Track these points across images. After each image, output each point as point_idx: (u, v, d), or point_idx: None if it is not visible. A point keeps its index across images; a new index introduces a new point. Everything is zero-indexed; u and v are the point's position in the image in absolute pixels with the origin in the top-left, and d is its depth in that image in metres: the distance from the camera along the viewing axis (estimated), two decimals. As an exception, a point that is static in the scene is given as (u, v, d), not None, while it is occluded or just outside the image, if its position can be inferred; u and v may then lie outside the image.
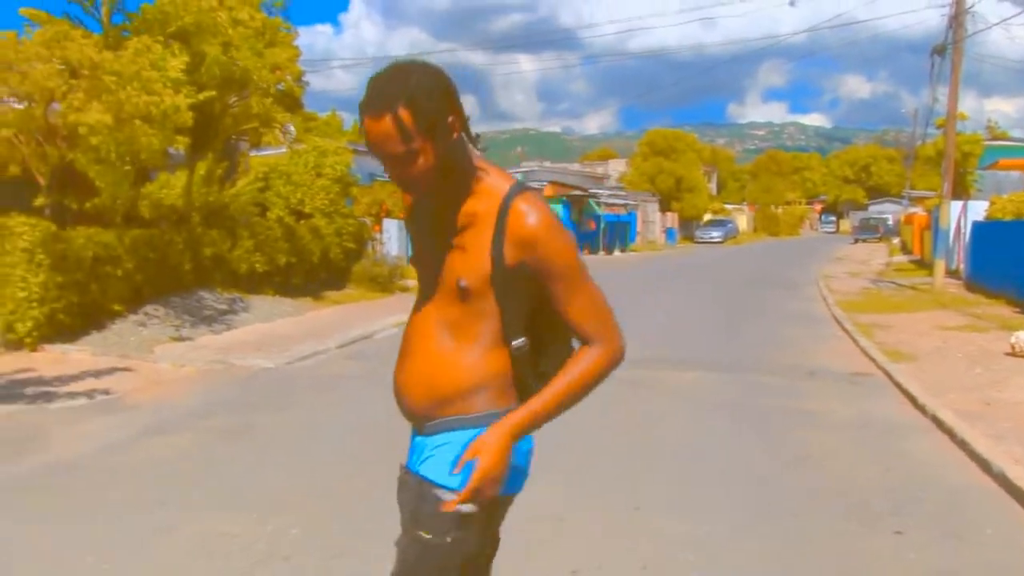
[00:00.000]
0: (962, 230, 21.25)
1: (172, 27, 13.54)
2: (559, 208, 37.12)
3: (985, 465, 6.04)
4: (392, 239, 21.48)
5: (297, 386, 9.21)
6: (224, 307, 13.76)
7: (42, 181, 11.76)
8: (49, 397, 8.35)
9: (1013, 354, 10.29)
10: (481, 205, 2.01)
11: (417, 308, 2.15)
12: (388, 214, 21.92)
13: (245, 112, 14.69)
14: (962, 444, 6.61)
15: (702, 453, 6.44)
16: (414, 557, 2.06)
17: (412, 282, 19.89)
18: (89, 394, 8.52)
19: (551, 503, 5.04)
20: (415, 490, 2.09)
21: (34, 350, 10.64)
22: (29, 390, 8.62)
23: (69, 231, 11.29)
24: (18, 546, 4.61)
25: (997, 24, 21.98)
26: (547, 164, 65.02)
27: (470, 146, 2.05)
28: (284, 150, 19.43)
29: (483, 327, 2.05)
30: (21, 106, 11.26)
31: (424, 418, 2.11)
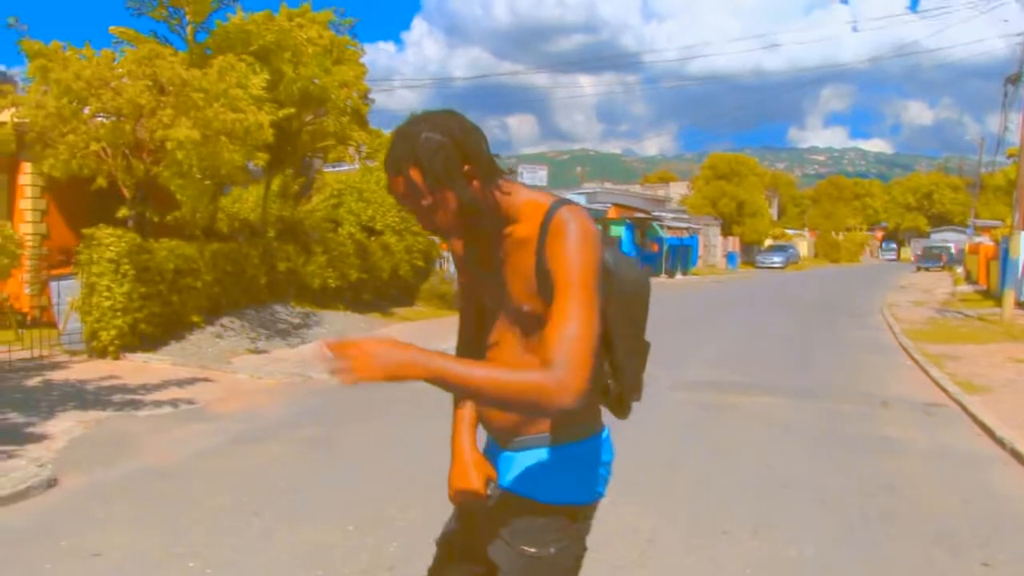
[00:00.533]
0: (1032, 261, 20.86)
1: (254, 45, 13.96)
2: (622, 230, 37.08)
3: (1071, 499, 6.01)
4: (457, 257, 21.73)
5: (377, 400, 9.39)
6: (297, 321, 14.08)
7: (127, 193, 12.18)
8: (136, 405, 8.66)
9: (1091, 388, 10.13)
10: (525, 228, 2.00)
11: (488, 329, 2.20)
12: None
13: (322, 129, 15.07)
14: (1045, 477, 6.58)
15: (784, 478, 6.48)
16: (521, 571, 2.10)
17: (476, 300, 20.15)
18: (173, 403, 8.82)
19: (638, 523, 5.14)
20: (508, 504, 2.12)
21: (117, 358, 11.03)
22: (116, 397, 8.94)
23: (152, 243, 11.68)
24: (124, 551, 4.84)
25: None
26: (608, 185, 65.04)
27: (506, 177, 2.05)
28: (355, 167, 19.83)
29: (531, 336, 2.05)
30: (109, 121, 11.70)
31: (511, 433, 2.13)
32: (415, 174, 1.90)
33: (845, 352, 14.14)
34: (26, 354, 10.84)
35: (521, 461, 2.12)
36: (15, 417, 7.86)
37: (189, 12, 13.67)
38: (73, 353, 11.26)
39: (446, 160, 1.90)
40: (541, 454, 2.10)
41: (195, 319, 12.29)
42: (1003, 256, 23.68)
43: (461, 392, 1.89)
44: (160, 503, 5.66)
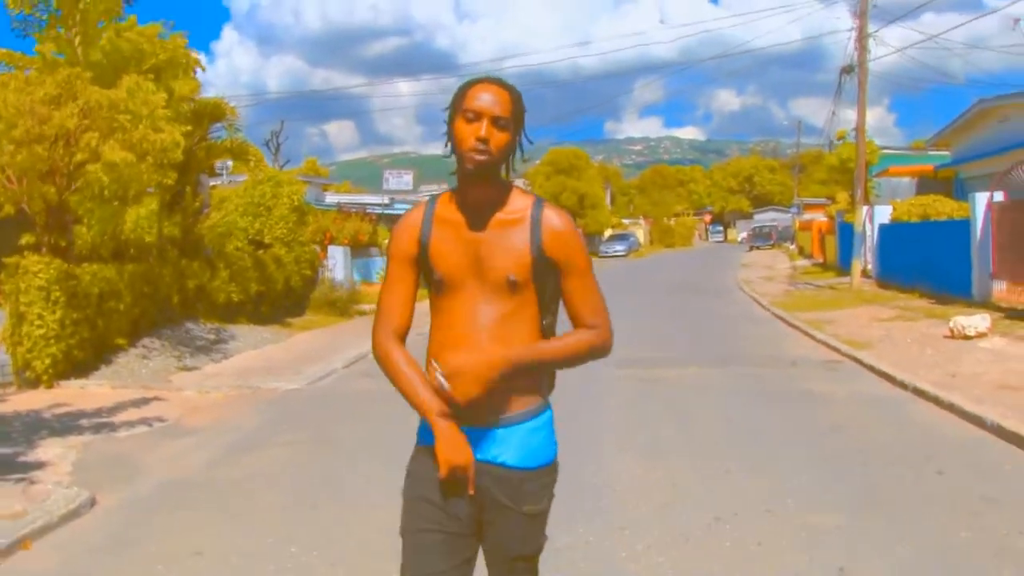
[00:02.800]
0: (868, 233, 23.10)
1: (147, 64, 13.95)
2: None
3: (979, 421, 7.31)
4: (338, 265, 22.00)
5: (335, 403, 9.89)
6: (212, 337, 14.20)
7: (38, 220, 12.02)
8: (109, 427, 8.77)
9: (952, 337, 11.75)
10: (516, 212, 2.40)
11: (464, 312, 2.42)
12: (332, 241, 22.46)
13: (217, 146, 15.17)
14: (951, 407, 7.90)
15: (748, 428, 7.51)
16: (534, 529, 2.48)
17: (368, 306, 20.53)
18: (145, 422, 8.99)
19: (646, 475, 5.99)
20: (507, 477, 2.41)
21: (50, 387, 10.92)
22: (83, 422, 9.00)
23: (77, 268, 11.63)
24: (218, 548, 5.28)
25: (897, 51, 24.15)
26: (446, 188, 65.44)
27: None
28: (228, 181, 19.85)
29: (528, 315, 2.42)
30: (19, 148, 11.52)
31: (495, 412, 2.39)
32: (516, 99, 2.38)
33: (731, 325, 15.53)
34: None
35: (512, 434, 2.41)
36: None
37: (77, 32, 13.54)
38: (1, 385, 11.08)
39: (523, 113, 2.44)
40: (531, 424, 2.42)
41: (120, 341, 12.29)
42: (841, 230, 25.99)
43: (537, 367, 2.40)
44: (211, 509, 6.04)
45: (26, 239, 12.16)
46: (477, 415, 2.38)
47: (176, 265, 14.33)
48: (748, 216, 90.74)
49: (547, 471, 2.47)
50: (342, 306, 19.48)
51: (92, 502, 6.19)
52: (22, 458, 7.54)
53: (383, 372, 2.47)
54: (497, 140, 2.33)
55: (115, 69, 13.35)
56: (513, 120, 2.37)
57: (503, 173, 2.45)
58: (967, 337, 11.47)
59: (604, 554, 4.67)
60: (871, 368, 10.18)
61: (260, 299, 16.90)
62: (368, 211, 26.87)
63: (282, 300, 18.06)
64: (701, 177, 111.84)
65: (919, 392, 8.65)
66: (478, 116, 2.31)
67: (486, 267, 2.39)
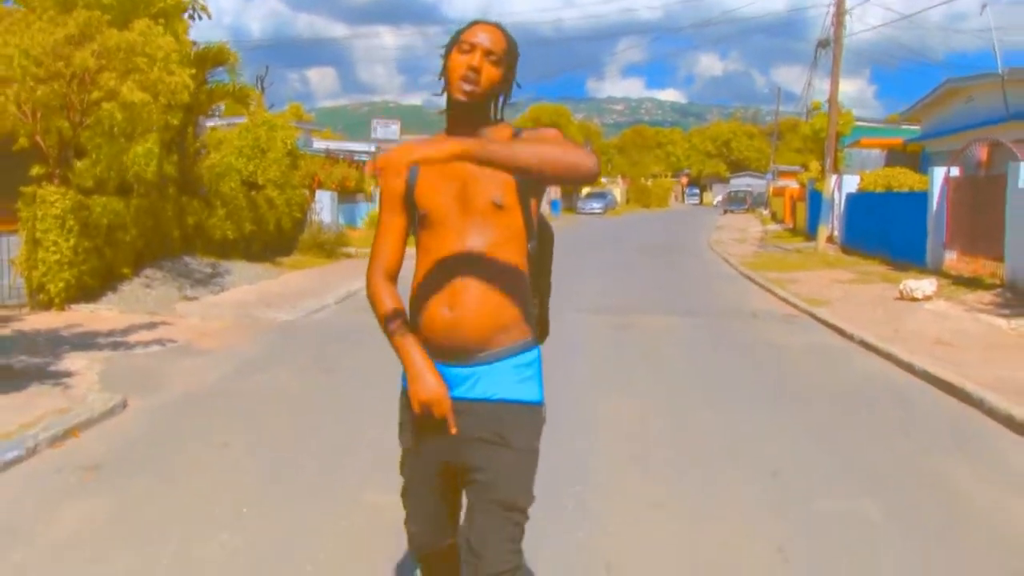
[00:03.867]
0: (836, 201, 24.06)
1: (155, 7, 14.47)
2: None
3: (910, 368, 8.27)
4: (325, 209, 22.67)
5: (331, 333, 10.69)
6: (209, 271, 14.92)
7: (50, 153, 12.64)
8: (124, 346, 9.54)
9: (901, 298, 12.73)
10: (499, 137, 2.40)
11: (451, 245, 2.40)
12: (320, 186, 23.09)
13: (219, 89, 15.75)
14: (889, 356, 8.85)
15: (711, 370, 8.44)
16: (524, 473, 2.43)
17: (353, 249, 21.30)
18: (158, 342, 9.77)
19: (621, 406, 6.88)
20: (496, 411, 2.39)
21: (62, 309, 11.67)
22: (100, 340, 9.78)
23: (88, 200, 12.29)
24: (243, 442, 6.14)
25: (875, 27, 24.90)
26: (424, 137, 65.57)
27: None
28: (227, 124, 20.40)
29: (516, 241, 2.42)
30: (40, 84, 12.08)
31: (482, 348, 2.38)
32: (509, 40, 2.45)
33: (700, 281, 16.47)
34: None
35: (496, 370, 2.39)
36: (28, 359, 8.64)
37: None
38: (11, 307, 11.77)
39: (517, 54, 2.50)
40: (518, 360, 2.42)
41: (125, 271, 13.01)
42: (811, 198, 26.92)
43: (528, 166, 2.16)
44: (230, 414, 6.87)
45: (36, 170, 12.81)
46: (461, 349, 2.38)
47: (177, 201, 15.00)
48: (725, 180, 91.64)
49: (533, 409, 2.44)
50: (329, 248, 20.22)
51: (124, 404, 6.99)
52: (52, 367, 8.30)
53: (371, 309, 2.52)
54: (488, 73, 2.37)
55: (124, 11, 13.89)
56: (506, 58, 2.42)
57: (491, 114, 2.49)
58: (915, 299, 12.46)
59: (578, 470, 5.55)
60: (825, 322, 11.13)
61: (253, 238, 17.61)
62: (355, 158, 27.45)
63: (273, 240, 18.77)
64: (680, 140, 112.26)
65: (864, 344, 9.60)
66: (472, 48, 2.37)
67: (471, 195, 2.39)
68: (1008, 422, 6.34)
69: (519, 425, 2.41)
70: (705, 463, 5.52)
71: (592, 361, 8.71)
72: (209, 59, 15.57)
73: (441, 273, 2.38)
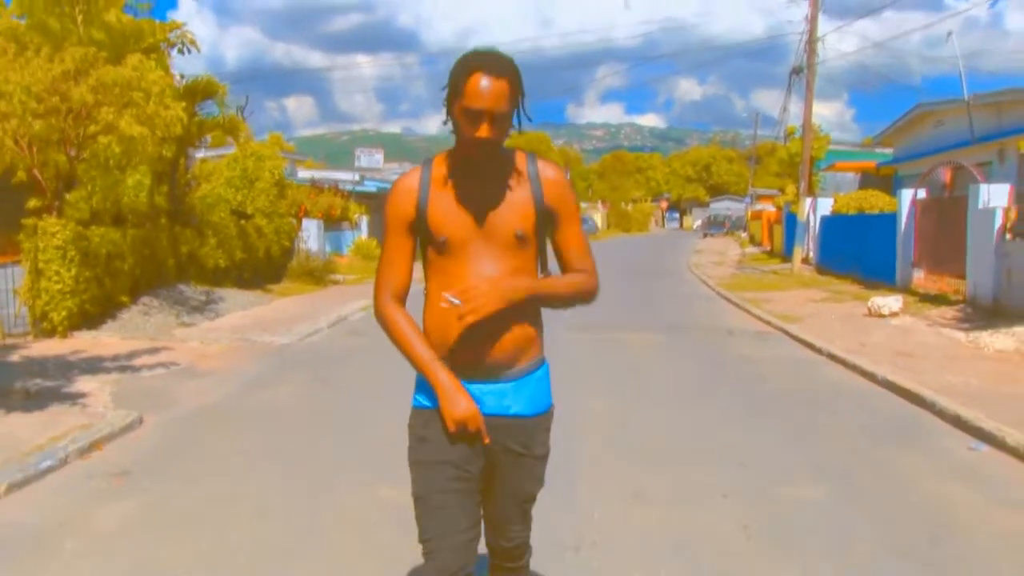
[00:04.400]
0: (811, 224, 24.79)
1: (145, 43, 15.03)
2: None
3: (872, 376, 8.88)
4: (312, 237, 23.14)
5: (327, 355, 11.20)
6: (203, 298, 15.39)
7: (47, 185, 13.11)
8: (131, 369, 9.99)
9: (870, 315, 13.37)
10: (514, 169, 2.49)
11: (470, 270, 2.48)
12: (307, 214, 23.59)
13: (209, 121, 16.30)
14: (854, 367, 9.45)
15: (691, 378, 9.02)
16: (542, 469, 2.73)
17: (341, 276, 21.80)
18: (162, 365, 10.23)
19: (611, 409, 7.45)
20: (521, 426, 2.60)
21: (65, 336, 12.10)
22: (107, 364, 10.23)
23: (87, 230, 12.77)
24: (261, 448, 6.64)
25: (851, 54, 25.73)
26: (407, 165, 66.11)
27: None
28: (215, 155, 20.92)
29: (530, 269, 2.53)
30: (37, 119, 12.55)
31: (504, 367, 2.53)
32: (515, 84, 2.37)
33: (680, 301, 17.09)
34: None
35: (522, 386, 2.57)
36: (43, 383, 9.09)
37: (80, 9, 14.52)
38: (16, 336, 12.20)
39: (521, 84, 2.42)
40: (536, 375, 2.61)
41: (123, 299, 13.47)
42: (788, 220, 27.65)
43: (548, 300, 2.54)
44: (241, 426, 7.38)
45: (34, 203, 13.29)
46: (488, 369, 2.51)
47: (171, 231, 15.50)
48: (704, 204, 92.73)
49: (549, 415, 2.70)
50: (318, 275, 20.71)
51: (141, 420, 7.46)
52: (66, 389, 8.76)
53: (385, 332, 2.57)
54: (498, 132, 2.37)
55: (116, 47, 14.43)
56: (511, 106, 2.39)
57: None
58: (882, 315, 13.09)
59: (566, 463, 6.10)
60: (796, 337, 11.74)
61: (243, 266, 18.08)
62: (340, 187, 27.99)
63: (263, 268, 19.25)
64: (660, 164, 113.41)
65: (832, 356, 10.21)
66: (478, 117, 2.33)
67: (493, 224, 2.45)
68: (955, 421, 6.94)
69: (540, 434, 2.67)
70: (678, 456, 6.09)
71: (579, 371, 9.24)
72: (199, 92, 16.13)
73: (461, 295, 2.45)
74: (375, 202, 29.92)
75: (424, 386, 2.56)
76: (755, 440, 6.56)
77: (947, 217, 15.01)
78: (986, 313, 12.41)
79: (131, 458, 6.37)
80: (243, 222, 19.05)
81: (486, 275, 2.44)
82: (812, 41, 22.18)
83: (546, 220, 2.53)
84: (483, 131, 2.33)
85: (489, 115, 2.32)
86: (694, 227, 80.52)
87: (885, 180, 26.80)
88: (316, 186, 26.38)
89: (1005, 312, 11.95)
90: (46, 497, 5.48)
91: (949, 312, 13.08)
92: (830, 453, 6.23)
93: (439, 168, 2.51)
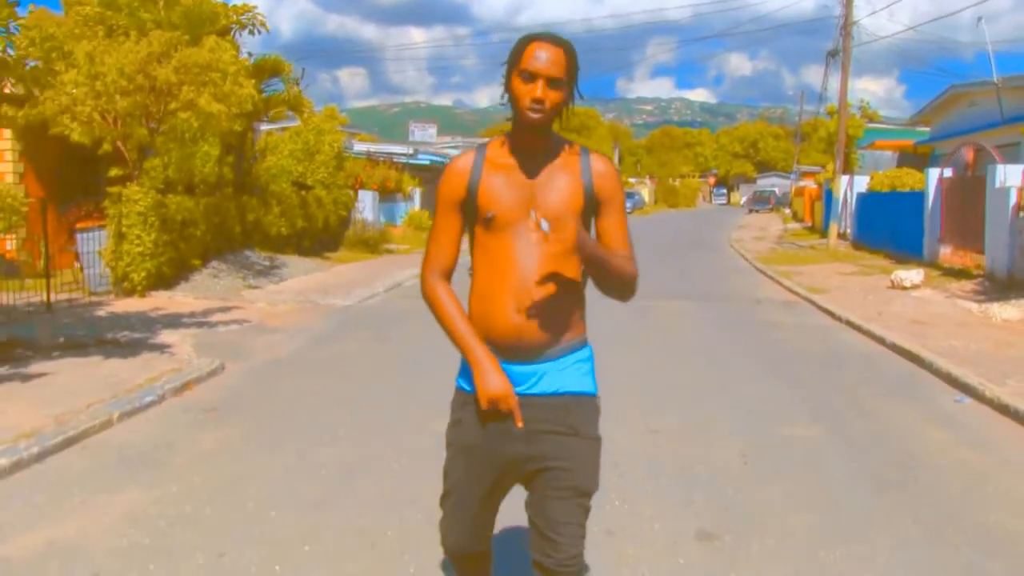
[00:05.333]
0: (848, 200, 25.30)
1: (219, 24, 16.07)
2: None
3: (881, 340, 9.68)
4: (367, 208, 24.21)
5: (384, 316, 12.21)
6: (267, 263, 16.51)
7: (129, 156, 14.23)
8: (207, 324, 11.07)
9: (892, 287, 14.07)
10: (566, 159, 2.56)
11: (518, 251, 2.51)
12: (363, 186, 24.64)
13: (276, 98, 17.35)
14: (868, 332, 10.26)
15: (717, 342, 9.89)
16: (592, 460, 2.61)
17: (394, 245, 22.85)
18: (235, 322, 11.29)
19: (636, 367, 8.33)
20: (563, 404, 2.56)
21: (143, 296, 13.25)
22: (185, 320, 11.32)
23: (164, 198, 13.89)
24: (339, 393, 7.66)
25: (879, 39, 26.07)
26: (459, 139, 66.88)
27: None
28: (272, 126, 22.02)
29: (572, 256, 2.49)
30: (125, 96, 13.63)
31: (546, 346, 2.53)
32: (571, 56, 2.47)
33: (716, 274, 17.91)
34: (57, 296, 12.67)
35: (560, 367, 2.56)
36: (131, 334, 10.20)
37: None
38: (100, 294, 13.36)
39: (577, 64, 2.52)
40: (579, 355, 2.60)
41: (195, 262, 14.63)
42: (827, 197, 28.13)
43: (604, 265, 2.47)
44: (312, 374, 8.39)
45: (115, 172, 14.44)
46: (529, 349, 2.53)
47: (238, 201, 16.62)
48: (751, 181, 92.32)
49: (592, 400, 2.62)
50: (373, 244, 21.80)
51: (223, 367, 8.49)
52: (152, 340, 9.84)
53: (429, 308, 2.63)
54: (552, 99, 2.43)
55: (192, 28, 15.47)
56: (568, 78, 2.47)
57: (556, 122, 2.57)
58: (903, 288, 13.79)
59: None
60: (820, 307, 12.52)
61: (303, 234, 19.20)
62: (394, 160, 29.00)
63: (322, 236, 20.36)
64: (708, 140, 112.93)
65: (850, 323, 10.99)
66: (534, 77, 2.41)
67: (540, 206, 2.49)
68: (948, 378, 7.74)
69: (585, 415, 2.59)
70: (695, 402, 6.99)
71: (613, 332, 10.09)
72: (266, 70, 17.17)
73: (508, 277, 2.51)
74: (428, 174, 30.93)
75: (467, 369, 2.62)
76: (765, 391, 7.43)
77: (969, 196, 15.59)
78: (1001, 286, 13.05)
79: (218, 397, 7.40)
80: (304, 193, 20.14)
81: (534, 255, 2.51)
82: (847, 25, 22.62)
83: (591, 209, 2.59)
84: (538, 90, 2.41)
85: (545, 77, 2.41)
86: (741, 203, 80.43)
87: (922, 158, 27.14)
88: (371, 159, 27.42)
89: (1018, 285, 12.58)
90: (152, 425, 6.52)
91: (968, 285, 13.73)
92: (830, 402, 7.08)
93: (495, 151, 2.59)
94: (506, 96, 2.51)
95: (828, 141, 29.84)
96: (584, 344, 2.63)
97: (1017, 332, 10.06)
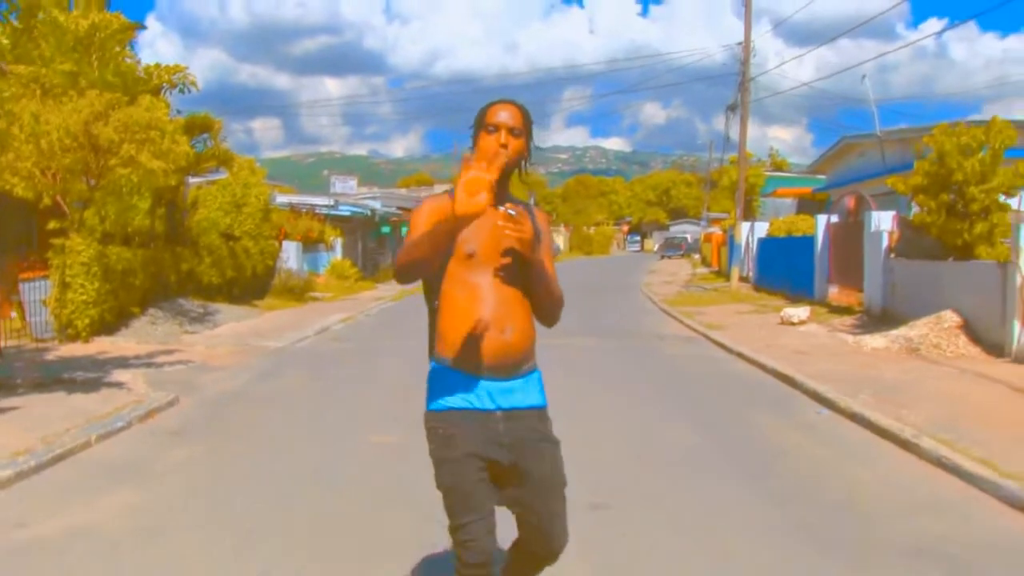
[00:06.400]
0: (750, 245, 27.13)
1: (151, 84, 16.97)
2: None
3: (764, 367, 11.05)
4: (291, 258, 25.07)
5: (317, 355, 13.18)
6: (201, 311, 17.29)
7: (68, 210, 14.98)
8: (154, 365, 11.87)
9: (782, 323, 15.58)
10: (517, 206, 2.94)
11: (493, 285, 2.94)
12: (287, 236, 25.52)
13: (206, 154, 18.27)
14: (753, 361, 11.63)
15: (622, 374, 11.13)
16: (560, 454, 3.12)
17: (319, 293, 23.74)
18: (179, 362, 12.13)
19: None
20: (535, 416, 3.05)
21: (87, 341, 13.95)
22: (133, 362, 12.10)
23: (105, 248, 14.66)
24: (273, 422, 8.65)
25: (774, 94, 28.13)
26: (377, 190, 67.65)
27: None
28: (197, 179, 22.86)
29: (527, 287, 3.00)
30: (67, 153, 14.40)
31: (519, 364, 3.00)
32: (527, 116, 2.98)
33: (624, 314, 19.33)
34: (5, 343, 13.31)
35: (527, 383, 3.05)
36: (85, 374, 10.94)
37: (96, 56, 16.43)
38: (44, 340, 14.01)
39: (531, 120, 3.03)
40: (537, 374, 3.13)
41: (135, 310, 15.38)
42: (731, 242, 29.97)
43: (545, 275, 3.00)
44: (260, 405, 9.35)
45: (54, 224, 15.16)
46: (508, 367, 2.95)
47: (172, 252, 17.42)
48: (665, 227, 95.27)
49: (547, 411, 3.12)
50: (299, 292, 22.68)
51: (177, 399, 9.38)
52: (106, 379, 10.59)
53: (412, 266, 2.78)
54: (513, 146, 2.89)
55: (127, 88, 16.35)
56: (525, 129, 2.95)
57: (518, 173, 3.03)
58: (792, 323, 15.32)
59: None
60: (715, 341, 13.92)
61: (233, 283, 20.02)
62: (316, 211, 29.94)
63: (250, 285, 21.17)
64: (622, 188, 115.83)
65: (740, 355, 12.38)
66: (497, 128, 2.89)
67: (509, 245, 2.89)
68: (813, 395, 9.11)
69: (548, 423, 3.11)
70: (596, 419, 8.19)
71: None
72: (197, 126, 18.10)
73: (488, 304, 2.91)
74: (349, 225, 31.93)
75: (440, 389, 2.99)
76: (658, 409, 8.68)
77: (851, 240, 17.31)
78: (876, 320, 14.67)
79: (178, 423, 8.32)
80: (232, 243, 20.94)
81: (508, 285, 2.95)
82: (745, 81, 24.61)
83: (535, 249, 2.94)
84: (502, 137, 2.88)
85: (507, 128, 2.89)
86: (654, 249, 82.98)
87: (819, 205, 29.15)
88: (294, 210, 28.30)
89: (891, 318, 14.19)
90: (125, 445, 7.43)
91: (849, 320, 15.34)
92: (713, 416, 8.36)
93: None
94: (475, 152, 2.90)
95: (732, 189, 31.82)
96: (536, 366, 3.13)
97: (880, 358, 11.55)
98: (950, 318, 12.27)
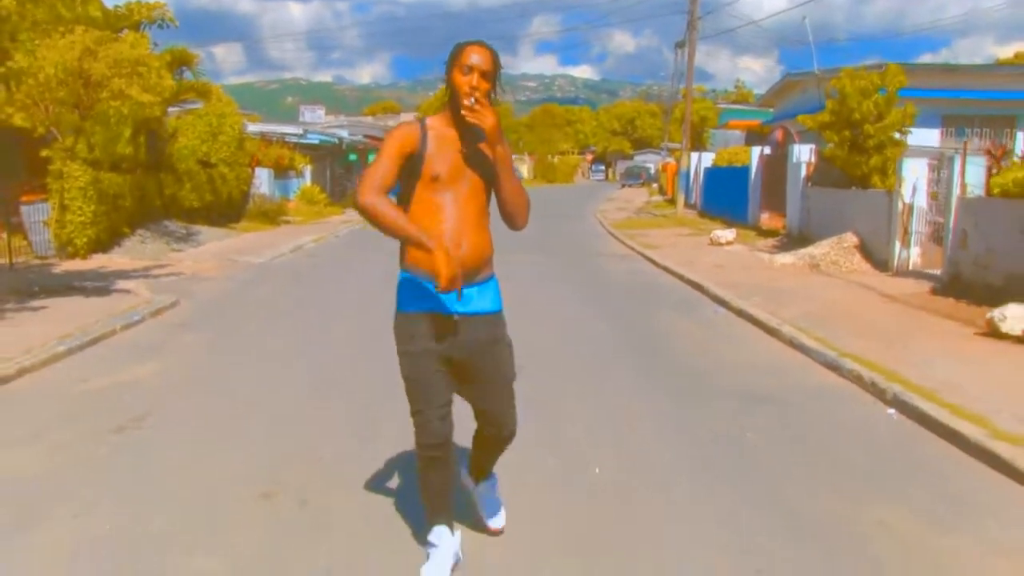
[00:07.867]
0: (698, 174, 28.90)
1: (133, 20, 18.21)
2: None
3: (684, 278, 12.89)
4: (264, 184, 26.44)
5: (295, 268, 14.82)
6: (184, 232, 18.81)
7: (64, 138, 16.32)
8: (151, 276, 13.43)
9: (711, 244, 17.43)
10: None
11: (455, 205, 3.30)
12: (260, 164, 26.83)
13: (186, 84, 19.59)
14: (675, 273, 13.50)
15: (552, 280, 12.91)
16: (510, 357, 3.55)
17: (291, 217, 25.24)
18: (172, 275, 13.72)
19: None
20: (488, 320, 3.44)
21: (85, 258, 15.44)
22: (132, 273, 13.64)
23: (99, 174, 16.09)
24: (267, 318, 10.37)
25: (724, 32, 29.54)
26: (343, 118, 68.02)
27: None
28: (175, 109, 24.10)
29: (486, 204, 3.40)
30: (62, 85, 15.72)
31: (476, 271, 3.35)
32: (496, 59, 3.29)
33: (573, 236, 21.15)
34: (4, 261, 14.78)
35: (483, 291, 3.41)
36: (92, 283, 12.52)
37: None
38: (46, 257, 15.50)
39: (500, 63, 3.33)
40: (492, 283, 3.49)
41: (125, 230, 16.88)
42: (681, 172, 31.72)
43: (510, 175, 3.39)
44: (249, 306, 11.02)
45: (46, 153, 16.52)
46: (467, 273, 3.25)
47: (157, 177, 18.85)
48: (629, 157, 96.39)
49: (502, 315, 3.51)
50: (272, 216, 24.17)
51: (178, 302, 11.01)
52: (112, 287, 12.17)
53: (370, 220, 3.11)
54: (484, 87, 3.21)
55: (110, 25, 17.58)
56: (493, 71, 3.26)
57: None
58: (719, 244, 17.18)
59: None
60: (648, 258, 15.76)
61: (211, 207, 21.46)
62: (286, 139, 31.21)
63: (226, 209, 22.61)
64: (588, 118, 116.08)
65: (665, 268, 14.22)
66: (471, 70, 3.19)
67: (473, 170, 3.30)
68: (715, 298, 10.97)
69: (501, 327, 3.49)
70: (526, 315, 9.93)
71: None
72: (177, 60, 19.38)
73: (448, 222, 3.26)
74: (317, 153, 33.26)
75: (406, 295, 3.39)
76: (582, 309, 10.48)
77: (779, 170, 19.13)
78: (794, 241, 16.55)
79: (183, 318, 9.99)
80: (209, 170, 22.31)
81: (466, 204, 3.30)
82: (693, 20, 26.04)
83: (493, 173, 3.36)
84: (474, 80, 3.18)
85: (479, 71, 3.19)
86: (617, 179, 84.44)
87: (765, 137, 30.94)
88: (266, 139, 29.55)
89: (805, 239, 16.07)
90: (144, 332, 9.11)
91: (772, 241, 17.21)
92: (627, 313, 10.18)
93: (434, 125, 3.31)
94: (449, 89, 3.26)
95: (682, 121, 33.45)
96: (493, 275, 3.49)
97: (786, 272, 13.42)
98: (849, 239, 14.16)
